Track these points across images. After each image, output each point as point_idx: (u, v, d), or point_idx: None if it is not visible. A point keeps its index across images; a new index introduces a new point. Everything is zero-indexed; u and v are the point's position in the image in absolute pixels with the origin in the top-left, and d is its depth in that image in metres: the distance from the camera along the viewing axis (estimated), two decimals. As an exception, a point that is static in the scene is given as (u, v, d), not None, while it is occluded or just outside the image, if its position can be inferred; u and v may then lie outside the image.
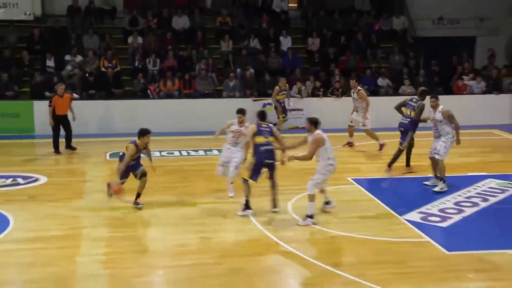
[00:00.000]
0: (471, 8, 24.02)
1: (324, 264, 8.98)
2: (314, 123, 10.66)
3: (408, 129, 13.84)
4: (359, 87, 16.65)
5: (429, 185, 12.97)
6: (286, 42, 21.92)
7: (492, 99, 20.12)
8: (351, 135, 16.94)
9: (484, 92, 20.57)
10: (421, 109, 13.85)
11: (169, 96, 19.74)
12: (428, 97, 13.34)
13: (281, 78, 19.12)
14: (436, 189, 12.52)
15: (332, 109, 19.06)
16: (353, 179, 13.41)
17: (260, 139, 10.96)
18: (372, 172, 14.39)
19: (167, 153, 16.11)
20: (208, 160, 15.25)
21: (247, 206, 11.02)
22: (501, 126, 19.22)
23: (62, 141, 16.18)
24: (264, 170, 11.00)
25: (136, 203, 11.37)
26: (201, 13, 22.84)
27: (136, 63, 20.66)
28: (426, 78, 20.89)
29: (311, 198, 10.52)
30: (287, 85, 19.04)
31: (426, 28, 24.02)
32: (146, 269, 9.00)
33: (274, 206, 11.18)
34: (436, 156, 12.68)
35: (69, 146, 16.20)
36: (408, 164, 14.28)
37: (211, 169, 12.88)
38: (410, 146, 14.10)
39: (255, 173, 10.91)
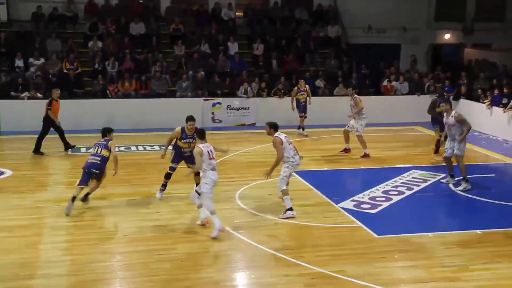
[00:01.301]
0: (396, 19, 24.37)
1: (267, 248, 8.95)
2: (273, 126, 10.33)
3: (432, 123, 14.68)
4: (355, 95, 15.12)
5: (443, 182, 12.57)
6: (233, 47, 21.79)
7: (415, 99, 20.42)
8: (346, 141, 15.25)
9: (407, 93, 20.89)
10: (432, 103, 14.65)
11: (126, 95, 19.36)
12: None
13: (300, 80, 18.48)
14: (460, 188, 12.11)
15: (275, 107, 19.07)
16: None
17: None
18: (310, 165, 14.39)
19: (125, 148, 15.76)
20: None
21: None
22: (423, 123, 19.54)
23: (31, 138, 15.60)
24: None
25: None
26: (156, 20, 22.50)
27: (96, 65, 20.21)
28: (358, 80, 21.08)
29: (284, 192, 10.18)
30: (306, 86, 18.34)
31: (357, 36, 24.25)
32: (105, 255, 8.78)
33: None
34: (456, 152, 12.09)
35: (67, 144, 15.45)
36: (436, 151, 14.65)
37: (165, 162, 12.62)
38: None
39: None
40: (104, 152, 10.68)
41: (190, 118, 11.02)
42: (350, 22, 24.08)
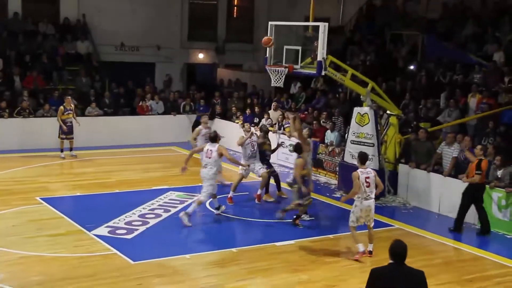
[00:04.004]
0: (150, 37, 24.79)
1: (10, 287, 8.39)
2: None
3: None
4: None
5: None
6: (-36, 63, 20.10)
7: (171, 119, 21.00)
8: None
9: (163, 113, 21.35)
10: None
11: None
12: None
13: (67, 97, 17.61)
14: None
15: (19, 129, 18.05)
16: (41, 199, 12.80)
17: None
18: (61, 190, 13.92)
19: None
20: None
21: None
22: (179, 144, 20.17)
23: None
24: None
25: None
26: None
27: None
28: (112, 100, 20.97)
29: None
30: (72, 104, 17.44)
31: (109, 53, 24.09)
32: None
33: None
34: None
35: None
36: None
37: None
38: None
39: None
40: None
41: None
42: (102, 38, 23.84)
